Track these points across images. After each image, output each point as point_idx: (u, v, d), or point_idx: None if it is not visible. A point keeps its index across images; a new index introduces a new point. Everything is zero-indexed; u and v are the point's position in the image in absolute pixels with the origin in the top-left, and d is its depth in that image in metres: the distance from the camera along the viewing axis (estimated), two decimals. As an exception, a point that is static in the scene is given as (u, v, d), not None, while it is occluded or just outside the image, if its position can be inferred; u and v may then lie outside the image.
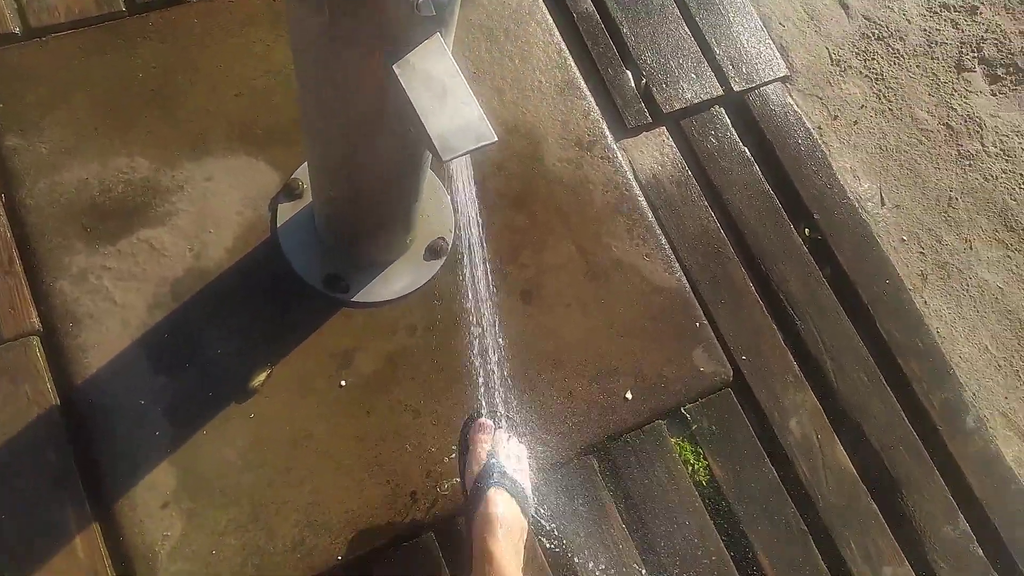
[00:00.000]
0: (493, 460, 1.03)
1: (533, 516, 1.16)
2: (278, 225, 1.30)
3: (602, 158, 1.47)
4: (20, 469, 1.08)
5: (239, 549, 1.09)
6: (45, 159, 1.27)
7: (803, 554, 1.25)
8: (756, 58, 1.66)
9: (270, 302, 1.25)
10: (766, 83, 1.64)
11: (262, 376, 1.18)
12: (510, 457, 1.06)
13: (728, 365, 1.35)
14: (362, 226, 1.17)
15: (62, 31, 1.36)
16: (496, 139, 0.68)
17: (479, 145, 0.67)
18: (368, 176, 0.97)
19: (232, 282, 1.25)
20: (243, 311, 1.23)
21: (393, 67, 0.68)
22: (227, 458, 1.14)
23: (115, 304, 1.21)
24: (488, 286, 1.13)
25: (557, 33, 1.56)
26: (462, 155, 0.67)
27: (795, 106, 1.64)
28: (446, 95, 0.68)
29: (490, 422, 1.11)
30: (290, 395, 1.19)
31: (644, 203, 1.45)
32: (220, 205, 1.30)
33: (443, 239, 1.32)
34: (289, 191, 1.32)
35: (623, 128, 1.53)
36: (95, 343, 1.18)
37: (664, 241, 1.43)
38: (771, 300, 1.44)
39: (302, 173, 1.33)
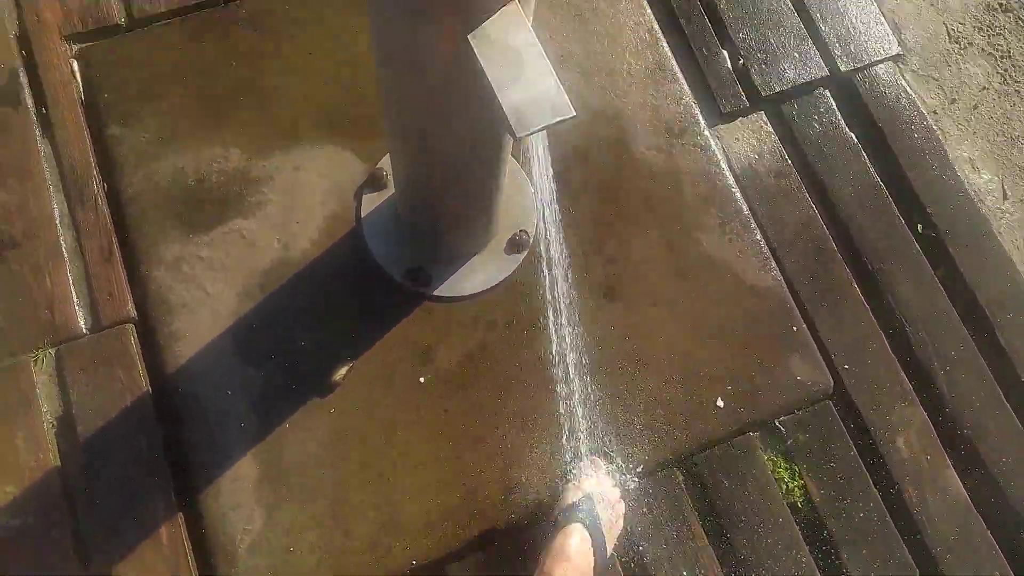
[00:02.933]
0: (589, 499, 0.96)
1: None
2: (362, 216, 1.18)
3: (694, 146, 1.27)
4: (114, 455, 1.03)
5: (316, 547, 1.00)
6: (144, 148, 1.20)
7: (907, 585, 1.06)
8: (866, 35, 1.40)
9: (353, 294, 1.14)
10: (876, 62, 1.39)
11: (343, 370, 1.08)
12: (607, 505, 0.98)
13: (828, 374, 1.15)
14: (441, 215, 1.04)
15: (162, 19, 1.27)
16: (575, 113, 0.54)
17: (556, 120, 0.53)
18: (445, 159, 0.84)
19: (317, 274, 1.15)
20: (327, 303, 1.13)
21: (468, 37, 0.54)
22: (308, 451, 1.05)
23: (207, 294, 1.13)
24: (568, 283, 0.99)
25: (649, 11, 1.36)
26: (538, 131, 0.53)
27: (908, 88, 1.38)
28: (522, 66, 0.54)
29: (602, 462, 1.04)
30: (370, 390, 1.08)
31: (739, 195, 1.25)
32: (308, 195, 1.19)
33: (525, 232, 1.17)
34: (373, 181, 1.19)
35: (717, 113, 1.33)
36: (187, 332, 1.10)
37: (759, 237, 1.23)
38: (878, 303, 1.22)
39: (386, 163, 1.20)
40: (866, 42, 1.40)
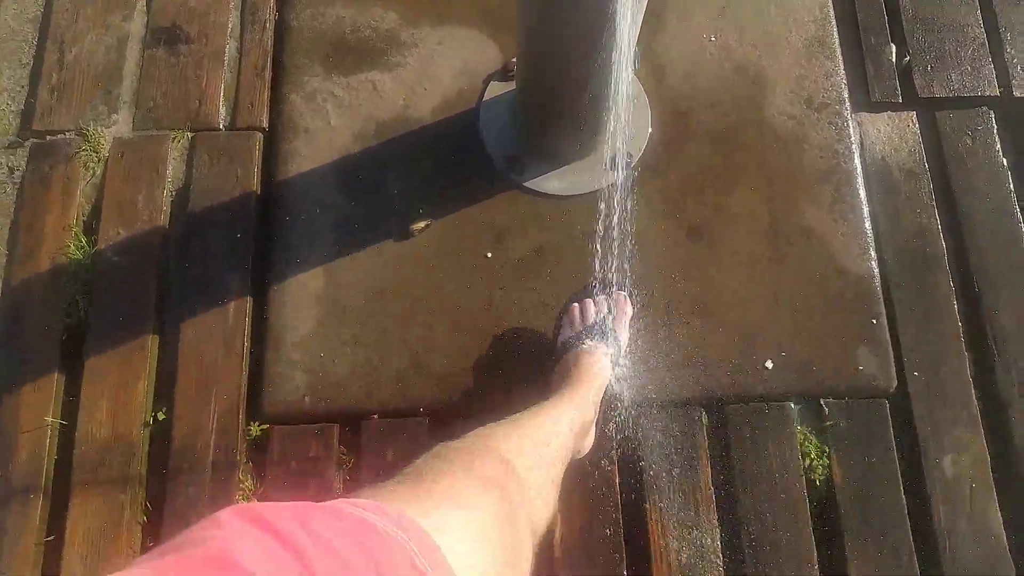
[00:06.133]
0: (607, 319, 1.14)
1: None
2: (484, 99, 1.34)
3: (829, 123, 1.33)
4: (212, 233, 1.24)
5: (351, 362, 1.17)
6: (317, -8, 1.42)
7: (907, 600, 1.08)
8: (1058, 67, 1.40)
9: (452, 163, 1.30)
10: (1061, 98, 1.38)
11: (422, 224, 1.24)
12: (619, 328, 1.15)
13: (894, 375, 1.18)
14: (548, 111, 1.17)
15: None
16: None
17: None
18: (556, 45, 0.97)
19: (427, 137, 1.32)
20: (427, 164, 1.30)
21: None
22: (369, 283, 1.22)
23: (329, 125, 1.33)
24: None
25: (826, -12, 1.43)
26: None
27: (1089, 132, 1.37)
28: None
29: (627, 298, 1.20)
30: (440, 249, 1.24)
31: (860, 181, 1.30)
32: (442, 68, 1.37)
33: (630, 155, 1.29)
34: (504, 71, 1.35)
35: (866, 100, 1.38)
36: (302, 152, 1.31)
37: (868, 226, 1.27)
38: (973, 327, 1.23)
39: (521, 58, 1.35)
40: (1056, 74, 1.40)
